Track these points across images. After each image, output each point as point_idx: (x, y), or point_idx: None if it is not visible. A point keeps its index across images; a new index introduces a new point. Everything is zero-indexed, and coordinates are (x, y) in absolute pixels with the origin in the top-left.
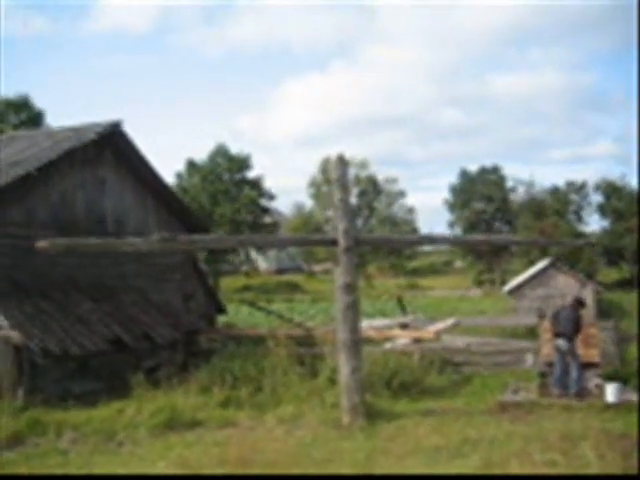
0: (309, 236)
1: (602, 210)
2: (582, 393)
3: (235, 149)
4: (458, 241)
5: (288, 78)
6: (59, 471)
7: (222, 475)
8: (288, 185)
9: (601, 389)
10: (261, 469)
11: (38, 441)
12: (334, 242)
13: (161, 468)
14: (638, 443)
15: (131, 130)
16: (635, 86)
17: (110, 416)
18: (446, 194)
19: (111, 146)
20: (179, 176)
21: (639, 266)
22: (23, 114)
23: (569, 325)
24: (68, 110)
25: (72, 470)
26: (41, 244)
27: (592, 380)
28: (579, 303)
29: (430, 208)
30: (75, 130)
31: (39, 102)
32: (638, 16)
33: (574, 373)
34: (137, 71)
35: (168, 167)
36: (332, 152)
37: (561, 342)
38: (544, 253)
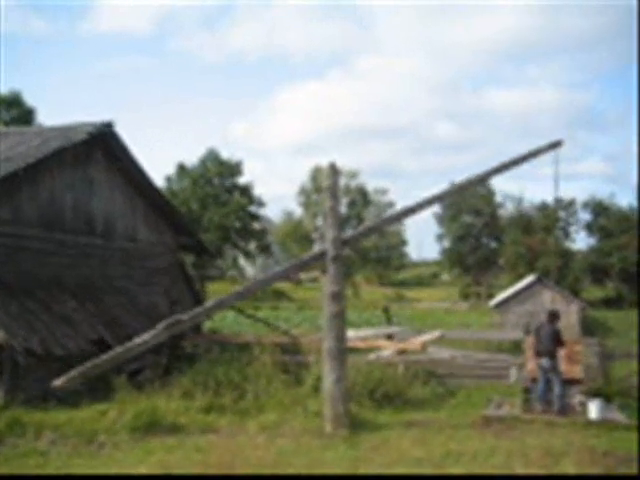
0: (300, 259)
1: (590, 228)
2: (565, 410)
3: (228, 155)
4: (445, 194)
5: (285, 86)
6: (37, 473)
7: (204, 475)
8: (278, 192)
9: (584, 406)
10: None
11: (17, 441)
12: (322, 254)
13: (141, 473)
14: (638, 443)
15: (124, 132)
16: (635, 104)
17: (91, 418)
18: (435, 207)
19: (102, 146)
20: (169, 179)
21: (638, 285)
22: (14, 111)
23: (549, 342)
24: (63, 110)
25: (51, 472)
26: (57, 383)
27: (575, 397)
28: (553, 316)
29: (419, 220)
30: (66, 129)
31: (34, 102)
32: (638, 36)
33: (556, 390)
34: (134, 73)
35: (159, 170)
36: (324, 161)
37: (543, 361)
38: (531, 269)
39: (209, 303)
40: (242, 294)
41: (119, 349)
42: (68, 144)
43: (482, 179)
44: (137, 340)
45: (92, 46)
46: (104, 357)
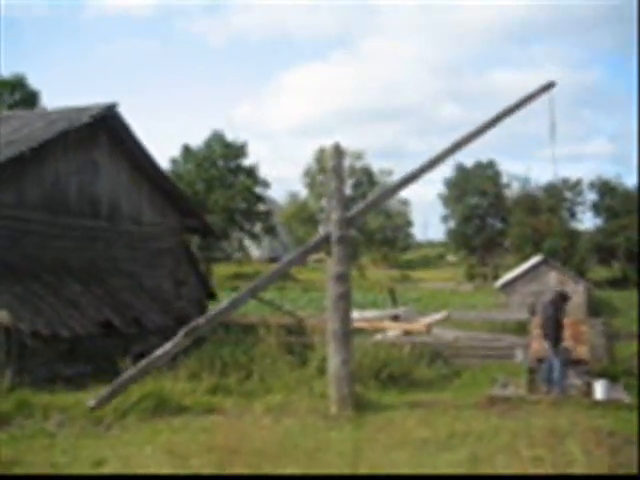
0: (307, 245)
1: (596, 208)
2: (564, 393)
3: (232, 137)
4: (445, 154)
5: (289, 68)
6: (45, 453)
7: (215, 475)
8: (283, 174)
9: (590, 386)
10: (248, 457)
11: (25, 423)
12: (328, 237)
13: (148, 453)
14: (638, 443)
15: (127, 114)
16: (635, 85)
17: None
18: (441, 187)
19: (106, 129)
20: (174, 162)
21: (638, 265)
22: (18, 94)
23: (550, 325)
24: (67, 93)
25: (58, 453)
26: (91, 404)
27: (581, 377)
28: (562, 297)
29: (425, 201)
30: (70, 112)
31: (39, 85)
32: (638, 16)
33: (555, 373)
34: (137, 56)
35: (164, 153)
36: (328, 142)
37: (546, 342)
38: (537, 250)
39: (224, 303)
40: (254, 290)
41: (144, 362)
42: (72, 127)
43: (480, 132)
44: (162, 349)
45: (95, 29)
46: (130, 372)
